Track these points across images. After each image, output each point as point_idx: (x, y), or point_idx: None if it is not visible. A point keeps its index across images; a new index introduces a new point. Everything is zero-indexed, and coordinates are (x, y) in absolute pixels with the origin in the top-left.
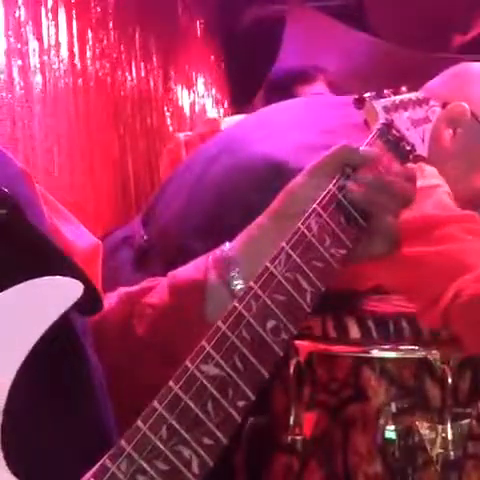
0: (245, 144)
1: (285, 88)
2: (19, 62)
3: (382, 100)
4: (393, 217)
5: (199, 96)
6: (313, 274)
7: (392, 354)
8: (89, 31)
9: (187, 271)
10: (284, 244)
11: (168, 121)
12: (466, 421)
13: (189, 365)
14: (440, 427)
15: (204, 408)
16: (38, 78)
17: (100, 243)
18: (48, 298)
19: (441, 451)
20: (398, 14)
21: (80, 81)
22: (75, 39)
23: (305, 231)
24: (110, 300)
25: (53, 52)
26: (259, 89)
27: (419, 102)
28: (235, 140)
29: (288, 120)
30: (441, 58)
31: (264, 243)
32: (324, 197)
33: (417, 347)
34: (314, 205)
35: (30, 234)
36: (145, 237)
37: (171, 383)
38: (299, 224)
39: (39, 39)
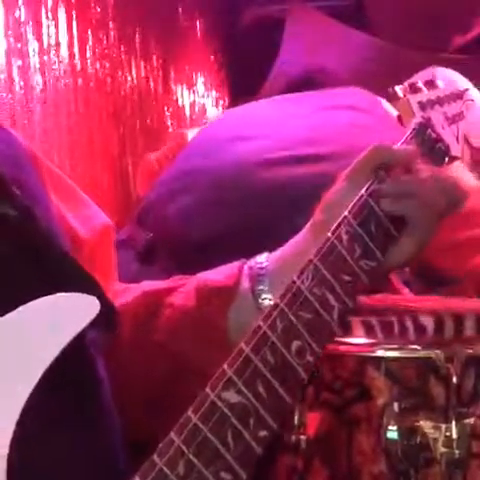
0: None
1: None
2: (19, 62)
3: (417, 95)
4: (427, 229)
5: (199, 96)
6: (342, 289)
7: (396, 353)
8: (89, 31)
9: (218, 276)
10: (312, 257)
11: (168, 121)
12: (470, 420)
13: (210, 393)
14: (444, 426)
15: (224, 440)
16: (38, 78)
17: (111, 224)
18: (63, 317)
19: (445, 450)
20: (398, 14)
21: (80, 81)
22: (75, 39)
23: (335, 241)
24: (133, 293)
25: (53, 52)
26: (259, 89)
27: (454, 96)
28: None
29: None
30: (441, 58)
31: (300, 258)
32: (355, 204)
33: (421, 346)
34: (345, 213)
35: (42, 242)
36: (149, 235)
37: (190, 413)
38: (329, 233)
39: (39, 39)
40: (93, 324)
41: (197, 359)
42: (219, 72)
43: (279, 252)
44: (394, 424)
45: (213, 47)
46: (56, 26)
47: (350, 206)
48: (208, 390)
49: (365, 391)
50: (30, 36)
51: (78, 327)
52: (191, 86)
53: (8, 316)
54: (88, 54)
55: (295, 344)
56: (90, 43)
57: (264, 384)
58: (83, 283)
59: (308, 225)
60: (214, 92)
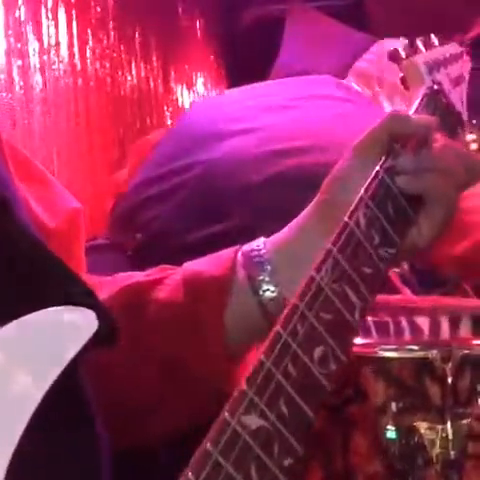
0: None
1: None
2: (19, 62)
3: (422, 56)
4: (448, 208)
5: (199, 96)
6: (363, 284)
7: (392, 353)
8: (89, 31)
9: (208, 266)
10: (331, 246)
11: (168, 121)
12: (466, 421)
13: (229, 419)
14: (440, 427)
15: (247, 474)
16: (38, 78)
17: (80, 208)
18: (57, 337)
19: (441, 451)
20: (397, 14)
21: (80, 81)
22: (75, 39)
23: (354, 227)
24: (109, 289)
25: (53, 52)
26: None
27: (456, 57)
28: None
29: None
30: None
31: (305, 243)
32: (371, 182)
33: (417, 347)
34: (361, 192)
35: (21, 242)
36: (138, 237)
37: (208, 446)
38: (346, 218)
39: (39, 39)
40: (91, 342)
41: (190, 363)
42: (219, 72)
43: (278, 236)
44: (392, 424)
45: (213, 47)
46: (56, 26)
47: (366, 185)
48: (227, 416)
49: (361, 391)
50: (30, 36)
51: (74, 350)
52: (191, 86)
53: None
54: (88, 54)
55: (317, 351)
56: (90, 43)
57: (286, 401)
58: (74, 292)
59: (311, 205)
60: (214, 92)
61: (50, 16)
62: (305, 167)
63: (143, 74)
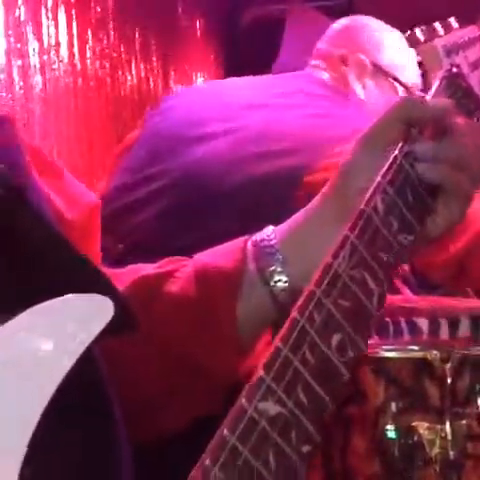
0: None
1: None
2: (19, 62)
3: (441, 39)
4: (466, 196)
5: None
6: (381, 270)
7: (392, 354)
8: (89, 31)
9: (219, 258)
10: (348, 232)
11: None
12: (465, 421)
13: (246, 405)
14: (439, 427)
15: (265, 461)
16: (38, 78)
17: (98, 202)
18: (75, 323)
19: (440, 451)
20: (397, 14)
21: (80, 81)
22: (75, 39)
23: (372, 214)
24: (122, 282)
25: (53, 52)
26: None
27: (474, 40)
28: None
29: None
30: None
31: (315, 232)
32: (389, 168)
33: (416, 347)
34: (378, 178)
35: (37, 229)
36: (121, 246)
37: (226, 432)
38: (362, 205)
39: (39, 39)
40: (107, 328)
41: (202, 358)
42: (219, 72)
43: (288, 223)
44: (391, 424)
45: (213, 47)
46: (56, 26)
47: (383, 170)
48: (244, 402)
49: (360, 391)
50: (30, 36)
51: (91, 334)
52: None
53: (9, 324)
54: (88, 54)
55: (335, 338)
56: (90, 43)
57: (304, 388)
58: (91, 280)
59: (323, 192)
60: None
61: (50, 16)
62: (283, 169)
63: (143, 74)
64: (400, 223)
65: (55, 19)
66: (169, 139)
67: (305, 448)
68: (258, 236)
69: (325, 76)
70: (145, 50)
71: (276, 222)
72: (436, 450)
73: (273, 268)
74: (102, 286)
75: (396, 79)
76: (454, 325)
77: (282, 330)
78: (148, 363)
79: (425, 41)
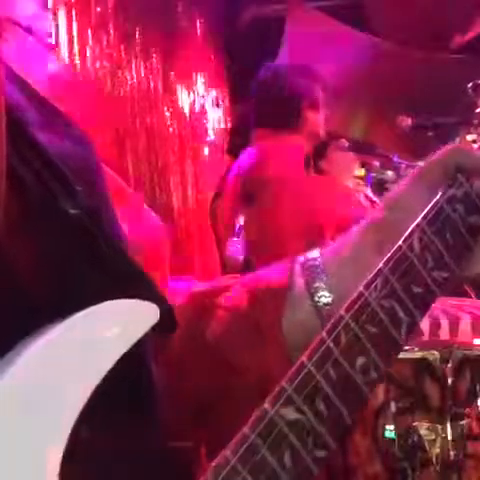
0: None
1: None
2: None
3: None
4: None
5: (199, 96)
6: (411, 302)
7: None
8: (89, 31)
9: (270, 275)
10: (382, 266)
11: (168, 121)
12: (465, 421)
13: (268, 408)
14: (439, 427)
15: (280, 460)
16: None
17: (163, 226)
18: (124, 324)
19: (440, 451)
20: (398, 14)
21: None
22: (75, 39)
23: (407, 251)
24: (181, 296)
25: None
26: None
27: None
28: None
29: None
30: (441, 58)
31: (358, 256)
32: (430, 210)
33: (417, 347)
34: (418, 219)
35: (102, 243)
36: None
37: (247, 429)
38: (400, 242)
39: None
40: (152, 329)
41: (250, 364)
42: (219, 72)
43: (332, 246)
44: (391, 424)
45: (213, 47)
46: (56, 26)
47: (424, 212)
48: (267, 405)
49: None
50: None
51: (137, 335)
52: (191, 86)
53: (69, 320)
54: (88, 54)
55: (360, 360)
56: (90, 43)
57: (325, 401)
58: (142, 286)
59: (366, 222)
60: (214, 92)
61: (50, 16)
62: None
63: (143, 74)
64: (436, 261)
65: (55, 19)
66: None
67: (320, 453)
68: (304, 257)
69: None
70: (145, 50)
71: None
72: (436, 450)
73: (317, 285)
74: (152, 295)
75: None
76: (455, 325)
77: (309, 347)
78: (200, 370)
79: None
